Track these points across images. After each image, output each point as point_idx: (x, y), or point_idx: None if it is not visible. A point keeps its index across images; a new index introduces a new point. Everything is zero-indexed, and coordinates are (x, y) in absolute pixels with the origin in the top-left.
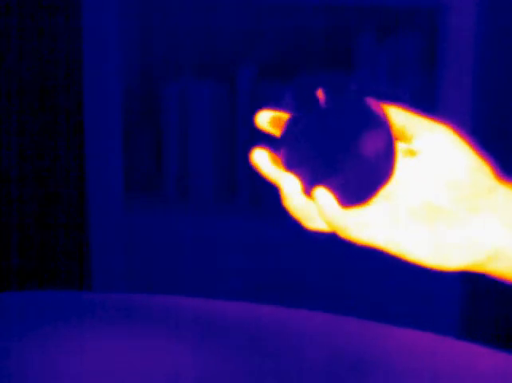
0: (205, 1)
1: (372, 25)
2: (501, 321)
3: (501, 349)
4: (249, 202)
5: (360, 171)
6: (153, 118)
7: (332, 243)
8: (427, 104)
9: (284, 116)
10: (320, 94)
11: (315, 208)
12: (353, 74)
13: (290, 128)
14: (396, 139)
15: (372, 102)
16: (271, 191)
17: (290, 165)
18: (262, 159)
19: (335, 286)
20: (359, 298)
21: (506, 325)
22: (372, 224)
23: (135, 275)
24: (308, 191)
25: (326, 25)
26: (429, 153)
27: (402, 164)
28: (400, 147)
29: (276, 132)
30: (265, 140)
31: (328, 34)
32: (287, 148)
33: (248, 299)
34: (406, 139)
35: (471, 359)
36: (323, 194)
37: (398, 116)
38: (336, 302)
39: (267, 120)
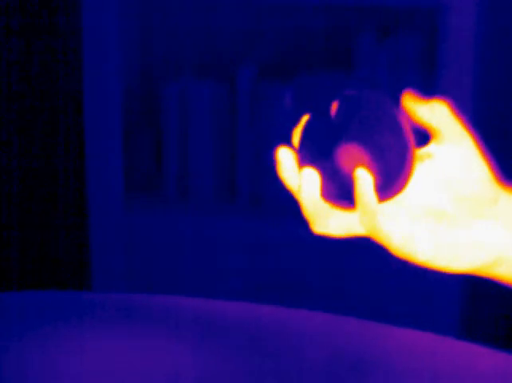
0: (205, 1)
1: (372, 25)
2: (501, 321)
3: (501, 349)
4: (249, 202)
5: (376, 174)
6: (153, 118)
7: (331, 243)
8: None
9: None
10: (334, 107)
11: (328, 211)
12: (353, 74)
13: (307, 132)
14: (415, 146)
15: (388, 105)
16: (271, 191)
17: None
18: (286, 159)
19: (335, 286)
20: (359, 298)
21: (506, 325)
22: (388, 218)
23: (135, 275)
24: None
25: (326, 25)
26: (443, 159)
27: (416, 168)
28: (418, 152)
29: None
30: (265, 140)
31: (328, 34)
32: (303, 150)
33: (248, 299)
34: (433, 136)
35: (471, 359)
36: (365, 177)
37: (440, 115)
38: (336, 302)
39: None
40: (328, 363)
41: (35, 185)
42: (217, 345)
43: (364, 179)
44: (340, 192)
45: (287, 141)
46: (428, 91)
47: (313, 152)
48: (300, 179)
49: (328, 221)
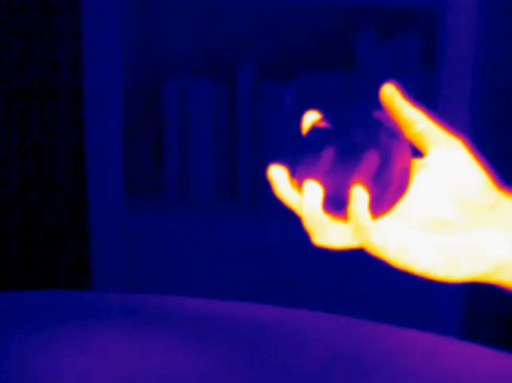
0: (205, 0)
1: (372, 25)
2: (501, 321)
3: (501, 349)
4: (249, 202)
5: (374, 189)
6: (153, 118)
7: None
8: (427, 104)
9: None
10: (320, 123)
11: (329, 223)
12: (353, 74)
13: (307, 142)
14: (411, 155)
15: (383, 119)
16: (271, 192)
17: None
18: (279, 176)
19: (335, 286)
20: (359, 298)
21: (506, 325)
22: (382, 232)
23: (136, 275)
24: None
25: (326, 25)
26: (439, 167)
27: (412, 177)
28: (414, 162)
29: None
30: (265, 140)
31: (328, 34)
32: (303, 162)
33: (248, 299)
34: (421, 146)
35: (471, 359)
36: (359, 193)
37: (421, 122)
38: (336, 302)
39: (313, 121)
40: (328, 363)
41: (35, 185)
42: (217, 345)
43: (359, 197)
44: (337, 203)
45: (287, 143)
46: (428, 91)
47: (311, 164)
48: (302, 191)
49: (329, 233)
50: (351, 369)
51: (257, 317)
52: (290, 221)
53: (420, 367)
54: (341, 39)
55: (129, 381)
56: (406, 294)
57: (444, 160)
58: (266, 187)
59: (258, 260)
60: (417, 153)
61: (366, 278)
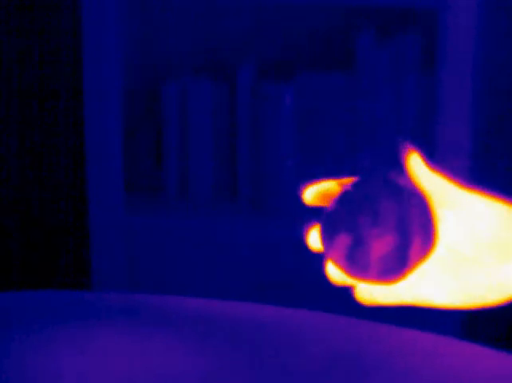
0: (205, 0)
1: (372, 25)
2: (501, 321)
3: (501, 349)
4: (249, 202)
5: (396, 251)
6: (153, 118)
7: None
8: (427, 106)
9: (329, 187)
10: (339, 187)
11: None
12: (353, 74)
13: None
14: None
15: (405, 183)
16: (272, 191)
17: (325, 240)
18: (316, 244)
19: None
20: None
21: (506, 325)
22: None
23: (136, 275)
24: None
25: (326, 25)
26: (457, 220)
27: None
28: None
29: (323, 203)
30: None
31: (328, 34)
32: (325, 228)
33: (248, 299)
34: (440, 204)
35: (471, 359)
36: (331, 267)
37: (436, 185)
38: (336, 302)
39: (313, 194)
40: (328, 363)
41: (35, 185)
42: (217, 345)
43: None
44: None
45: (288, 143)
46: (428, 91)
47: (342, 224)
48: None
49: (374, 289)
50: (351, 369)
51: (257, 317)
52: (290, 221)
53: (420, 367)
54: (341, 39)
55: (129, 381)
56: None
57: (462, 214)
58: (267, 186)
59: (258, 260)
60: None
61: None
